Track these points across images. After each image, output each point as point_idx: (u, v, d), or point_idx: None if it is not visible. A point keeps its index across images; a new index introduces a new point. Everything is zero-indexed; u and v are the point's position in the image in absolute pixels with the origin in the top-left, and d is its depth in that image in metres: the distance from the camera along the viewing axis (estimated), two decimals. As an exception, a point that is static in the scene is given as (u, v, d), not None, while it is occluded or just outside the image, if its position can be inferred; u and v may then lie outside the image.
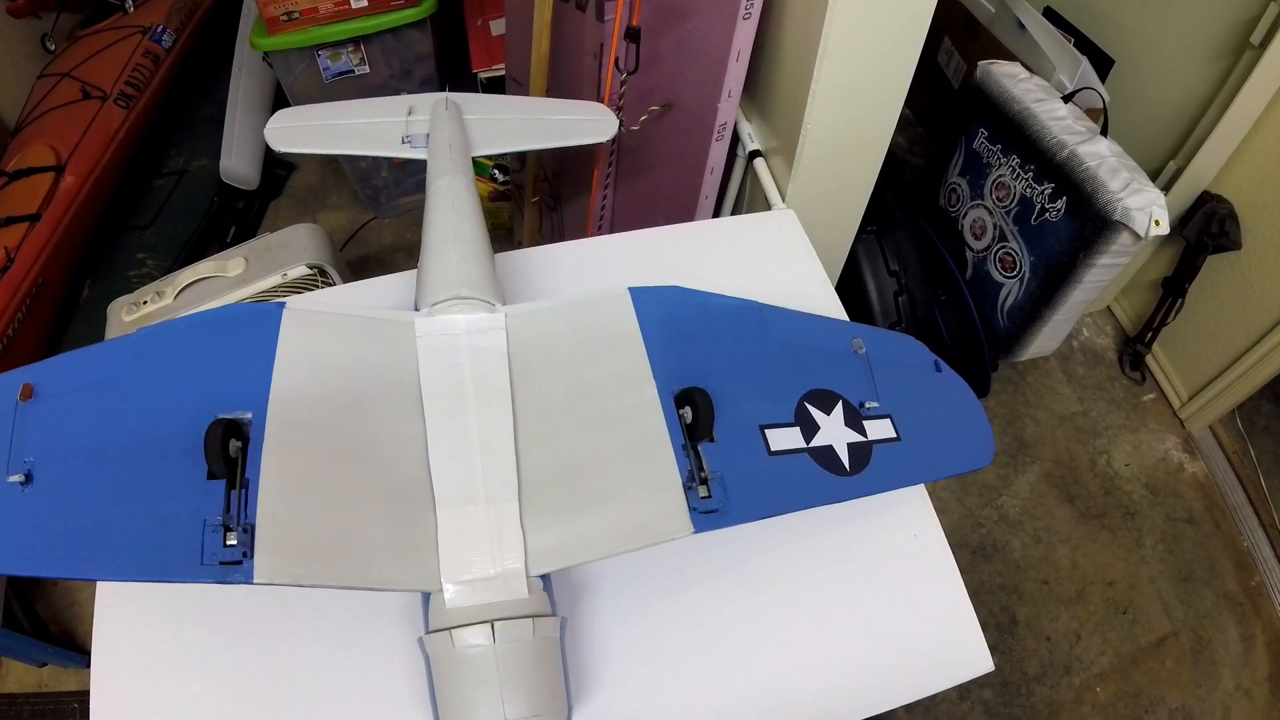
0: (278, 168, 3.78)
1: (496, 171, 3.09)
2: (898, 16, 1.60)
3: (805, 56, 1.69)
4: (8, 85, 3.47)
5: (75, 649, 2.84)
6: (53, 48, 3.64)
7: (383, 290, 1.44)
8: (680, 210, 2.14)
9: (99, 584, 1.24)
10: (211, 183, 3.40)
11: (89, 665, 2.62)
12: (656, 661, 1.15)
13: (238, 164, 3.36)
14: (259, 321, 1.04)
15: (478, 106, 1.56)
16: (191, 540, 0.89)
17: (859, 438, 1.11)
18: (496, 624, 0.89)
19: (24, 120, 3.27)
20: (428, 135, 1.49)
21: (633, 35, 1.73)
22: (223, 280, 2.23)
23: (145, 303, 2.21)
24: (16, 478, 0.91)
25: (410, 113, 1.54)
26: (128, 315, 2.22)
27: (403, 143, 1.50)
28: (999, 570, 2.63)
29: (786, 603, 1.19)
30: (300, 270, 2.23)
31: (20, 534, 0.90)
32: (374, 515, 0.94)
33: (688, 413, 1.05)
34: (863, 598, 1.19)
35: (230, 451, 0.93)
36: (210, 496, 0.91)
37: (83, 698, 2.78)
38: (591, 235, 2.23)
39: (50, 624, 2.90)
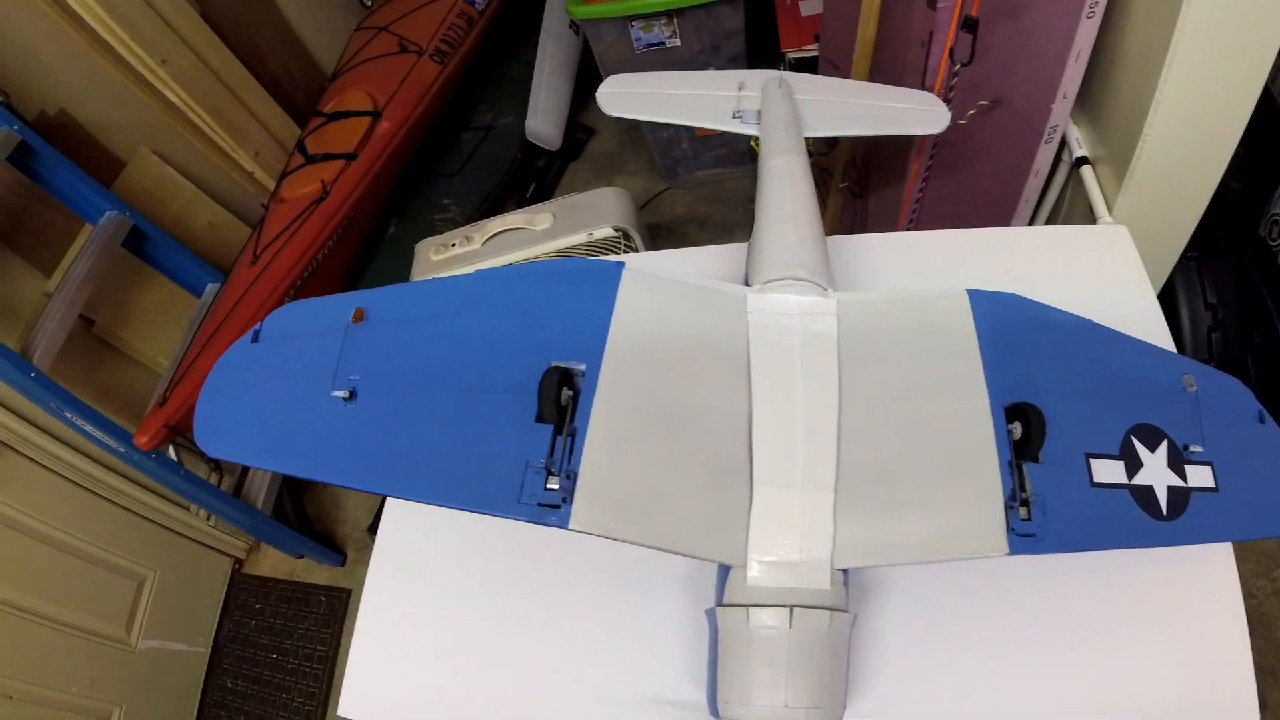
0: (578, 131, 3.93)
1: (803, 153, 3.04)
2: (1250, 22, 1.48)
3: (1150, 62, 1.58)
4: (326, 36, 3.79)
5: (332, 548, 3.11)
6: (369, 3, 3.93)
7: (702, 260, 1.45)
8: (996, 212, 2.05)
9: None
10: (515, 140, 3.59)
11: (342, 564, 2.87)
12: (928, 672, 1.12)
13: (542, 124, 3.52)
14: (600, 278, 1.07)
15: (809, 87, 1.54)
16: (511, 477, 0.93)
17: (1179, 482, 1.02)
18: (795, 610, 0.88)
19: (341, 68, 3.56)
20: (758, 112, 1.48)
21: (970, 26, 1.66)
22: (529, 233, 2.32)
23: (453, 245, 2.34)
24: (341, 393, 0.98)
25: (741, 88, 1.53)
26: (435, 255, 2.36)
27: (733, 117, 1.50)
28: (1259, 648, 2.32)
29: (1068, 635, 1.13)
30: (606, 231, 2.29)
31: (340, 446, 0.97)
32: (690, 482, 0.94)
33: (1017, 428, 0.99)
34: (1145, 646, 1.12)
35: (561, 399, 0.96)
36: (536, 439, 0.95)
37: (329, 592, 3.07)
38: (902, 228, 2.17)
39: (315, 521, 3.19)
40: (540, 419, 0.95)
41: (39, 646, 2.40)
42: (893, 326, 1.08)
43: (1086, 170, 1.85)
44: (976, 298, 1.09)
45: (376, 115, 3.19)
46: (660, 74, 1.64)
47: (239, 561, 3.26)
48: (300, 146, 3.17)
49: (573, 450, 0.93)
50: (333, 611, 3.04)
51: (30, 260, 2.52)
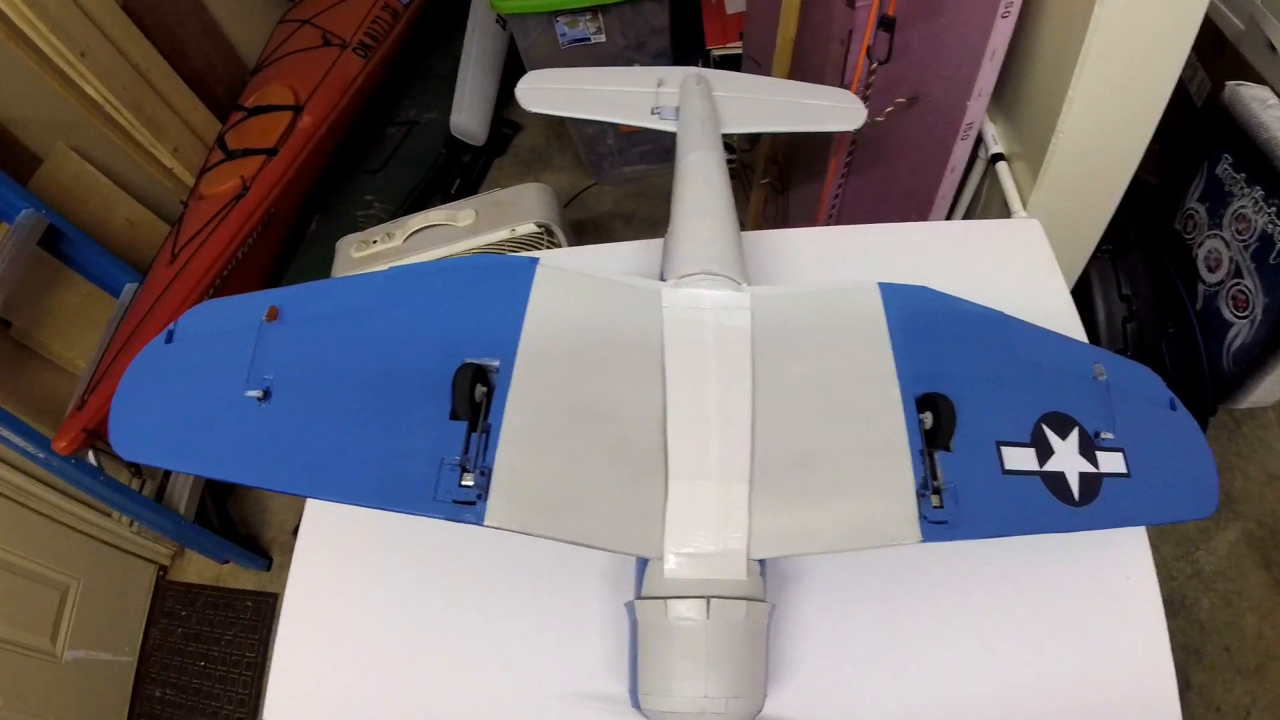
0: (504, 127, 3.91)
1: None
2: (1163, 24, 1.52)
3: (1063, 61, 1.62)
4: (249, 28, 3.71)
5: (258, 552, 3.06)
6: (293, -6, 3.84)
7: (619, 256, 1.45)
8: (914, 207, 2.08)
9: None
10: (440, 135, 3.55)
11: (268, 568, 2.84)
12: (848, 661, 1.14)
13: (467, 120, 3.49)
14: (513, 274, 1.07)
15: (727, 84, 1.55)
16: (427, 475, 0.92)
17: (1090, 468, 1.05)
18: (713, 600, 0.89)
19: (263, 61, 3.49)
20: (677, 109, 1.48)
21: (888, 25, 1.69)
22: (452, 229, 2.31)
23: (375, 242, 2.32)
24: (255, 393, 0.97)
25: (660, 85, 1.54)
26: (357, 252, 2.33)
27: (652, 113, 1.51)
28: (1181, 628, 2.46)
29: (986, 623, 1.15)
30: (529, 228, 2.29)
31: (255, 447, 0.96)
32: (606, 476, 0.95)
33: (928, 418, 1.01)
34: (1062, 630, 1.14)
35: (475, 396, 0.95)
36: (450, 436, 0.94)
37: (255, 597, 3.02)
38: (821, 223, 2.20)
39: (239, 525, 3.14)
40: (454, 416, 0.95)
41: (-42, 660, 2.32)
42: (806, 320, 1.09)
43: (1002, 166, 1.89)
44: (888, 290, 1.11)
45: (298, 110, 3.13)
46: (580, 70, 1.64)
47: (164, 568, 3.18)
48: (220, 142, 3.10)
49: (487, 447, 0.93)
50: (259, 617, 2.99)
51: (-59, 263, 2.42)
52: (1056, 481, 1.03)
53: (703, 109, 1.43)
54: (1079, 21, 1.54)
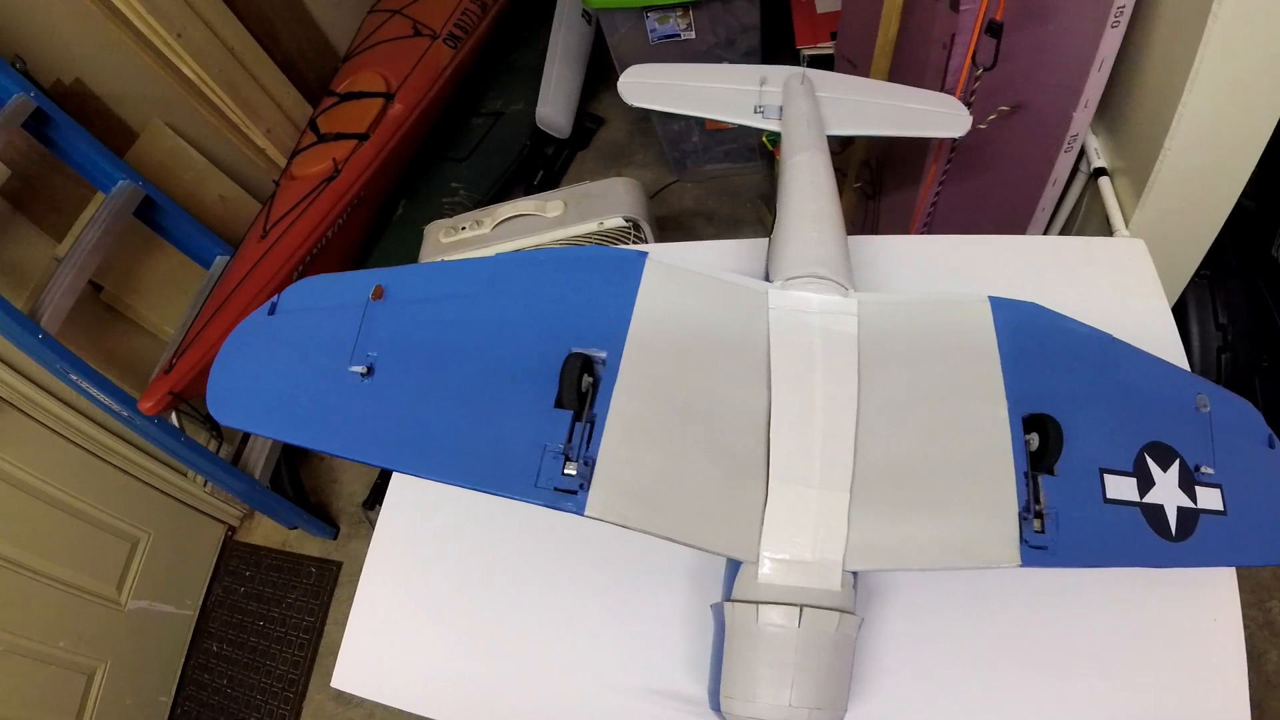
0: (588, 120, 3.93)
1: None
2: (1275, 38, 1.47)
3: (1173, 75, 1.57)
4: (338, 15, 3.79)
5: (326, 520, 3.14)
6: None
7: (720, 253, 1.45)
8: (1011, 219, 2.04)
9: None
10: (525, 127, 3.58)
11: (334, 537, 2.92)
12: (927, 680, 1.12)
13: (552, 112, 3.52)
14: (623, 266, 1.07)
15: (831, 85, 1.53)
16: (528, 461, 0.93)
17: (1189, 503, 1.02)
18: (805, 609, 0.88)
19: (354, 49, 3.57)
20: (780, 108, 1.47)
21: (995, 30, 1.65)
22: (540, 220, 2.32)
23: (463, 229, 2.34)
24: (359, 369, 0.98)
25: (763, 83, 1.53)
26: (445, 237, 2.35)
27: (755, 112, 1.50)
28: (1248, 681, 2.35)
29: (1067, 651, 1.13)
30: (617, 222, 2.29)
31: (356, 421, 0.98)
32: (706, 475, 0.94)
33: (1034, 439, 0.99)
34: (1141, 666, 1.12)
35: (582, 386, 0.96)
36: (554, 424, 0.95)
37: (319, 563, 3.10)
38: (915, 231, 2.17)
39: (310, 493, 3.21)
40: (559, 404, 0.96)
41: (29, 601, 2.44)
42: (913, 329, 1.07)
43: (1104, 181, 1.85)
44: (999, 305, 1.08)
45: (389, 97, 3.21)
46: (682, 65, 1.64)
47: (232, 529, 3.29)
48: (312, 125, 3.18)
49: (591, 437, 0.93)
50: (322, 583, 3.06)
51: (41, 225, 2.53)
52: (1155, 514, 1.00)
53: (808, 109, 1.42)
54: (1191, 34, 1.50)
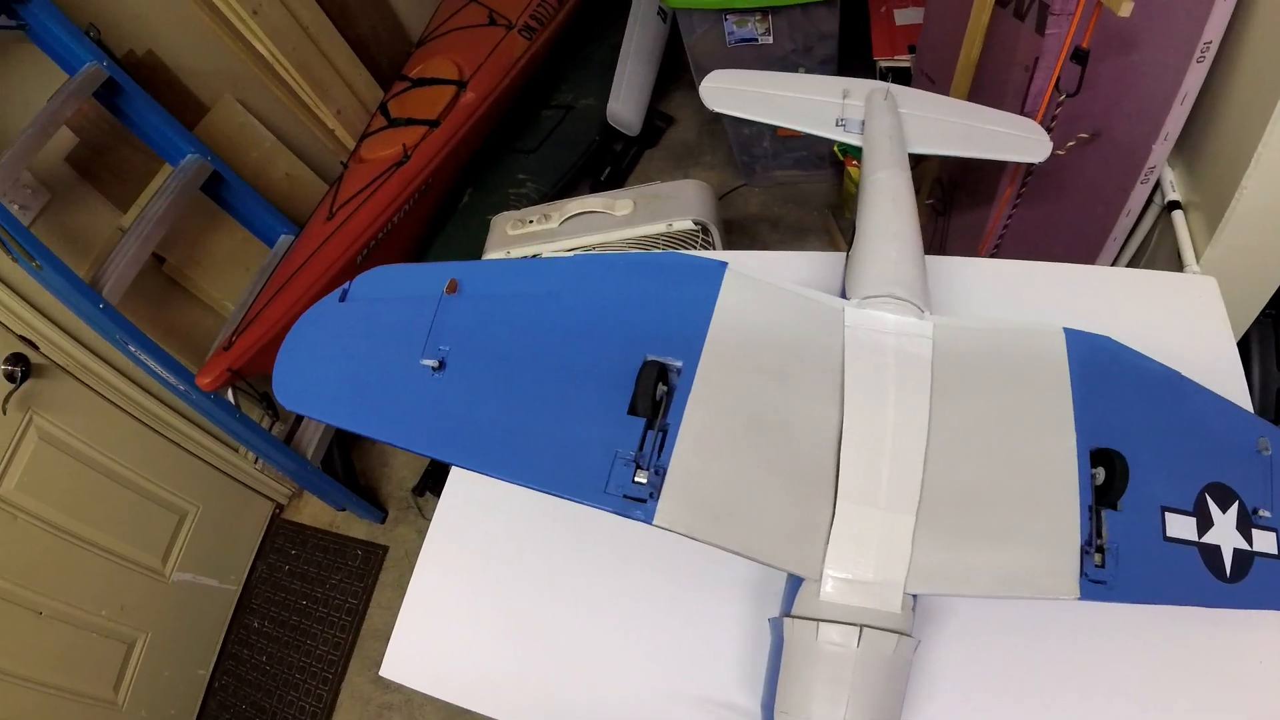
0: (658, 119, 3.92)
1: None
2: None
3: (1255, 113, 1.55)
4: (415, 2, 3.82)
5: (374, 504, 3.16)
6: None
7: (796, 266, 1.44)
8: (1082, 247, 2.02)
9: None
10: (595, 122, 3.57)
11: (382, 521, 2.96)
12: (979, 706, 1.12)
13: (623, 109, 3.51)
14: (702, 275, 1.07)
15: (914, 102, 1.52)
16: (598, 467, 0.94)
17: (1245, 545, 1.01)
18: (865, 630, 0.88)
19: (428, 35, 3.58)
20: (862, 122, 1.47)
21: (1080, 57, 1.63)
22: (608, 218, 2.33)
23: (531, 222, 2.35)
24: (430, 362, 0.99)
25: (845, 96, 1.52)
26: (512, 230, 2.37)
27: (837, 125, 1.49)
28: None
29: (1114, 687, 1.12)
30: (686, 224, 2.28)
31: (425, 415, 0.99)
32: (774, 490, 0.95)
33: (1100, 473, 0.99)
34: (1183, 702, 1.10)
35: (656, 394, 0.96)
36: (626, 431, 0.95)
37: (366, 546, 3.12)
38: (985, 252, 2.15)
39: (360, 476, 3.24)
40: (633, 411, 0.96)
41: (75, 568, 2.47)
42: (987, 355, 1.07)
43: (1178, 215, 1.82)
44: (1073, 336, 1.08)
45: (462, 85, 3.21)
46: (763, 73, 1.62)
47: (280, 507, 3.33)
48: (383, 109, 3.19)
49: (663, 446, 0.94)
50: (368, 566, 3.09)
51: (107, 195, 2.57)
52: (1212, 555, 0.99)
53: (890, 125, 1.41)
54: (1275, 76, 1.47)
